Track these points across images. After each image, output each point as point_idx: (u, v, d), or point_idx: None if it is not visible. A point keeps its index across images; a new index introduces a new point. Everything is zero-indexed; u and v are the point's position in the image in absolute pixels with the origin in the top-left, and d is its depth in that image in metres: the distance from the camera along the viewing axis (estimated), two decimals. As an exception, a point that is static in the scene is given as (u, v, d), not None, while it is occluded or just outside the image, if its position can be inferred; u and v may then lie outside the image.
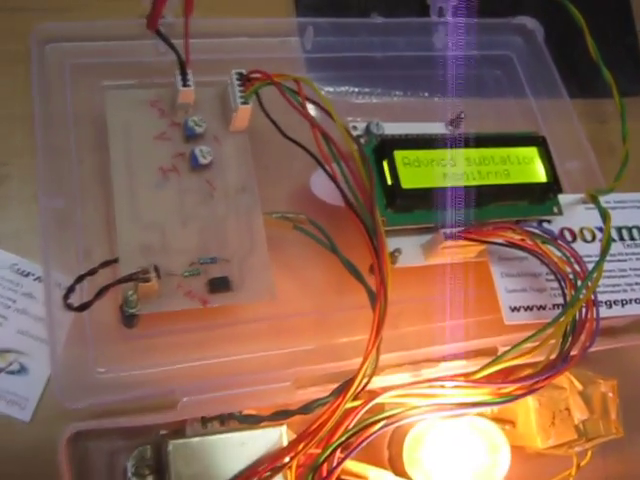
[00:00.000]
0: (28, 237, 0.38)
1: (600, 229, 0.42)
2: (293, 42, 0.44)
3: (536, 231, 0.37)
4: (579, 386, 0.41)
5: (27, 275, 0.38)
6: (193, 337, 0.37)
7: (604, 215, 0.37)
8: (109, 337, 0.35)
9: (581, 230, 0.42)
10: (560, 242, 0.37)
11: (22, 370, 0.36)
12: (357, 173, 0.35)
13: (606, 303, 0.40)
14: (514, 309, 0.39)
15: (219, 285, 0.35)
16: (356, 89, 0.44)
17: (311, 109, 0.36)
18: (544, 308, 0.39)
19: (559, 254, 0.37)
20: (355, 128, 0.40)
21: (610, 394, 0.41)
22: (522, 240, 0.37)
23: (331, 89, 0.44)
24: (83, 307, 0.32)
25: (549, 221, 0.42)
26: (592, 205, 0.40)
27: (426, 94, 0.45)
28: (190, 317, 0.36)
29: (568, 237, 0.42)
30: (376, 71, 0.45)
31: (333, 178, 0.34)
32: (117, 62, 0.41)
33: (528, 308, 0.39)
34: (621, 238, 0.42)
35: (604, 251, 0.36)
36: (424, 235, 0.39)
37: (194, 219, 0.37)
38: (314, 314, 0.39)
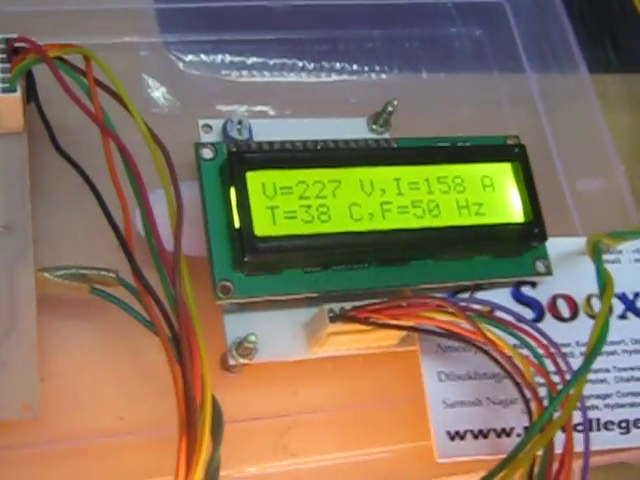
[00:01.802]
0: None
1: (623, 296, 0.36)
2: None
3: (480, 308, 0.31)
4: None
5: None
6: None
7: (602, 279, 0.31)
8: None
9: (588, 299, 0.36)
10: (518, 324, 0.31)
11: None
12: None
13: (620, 425, 0.33)
14: (454, 435, 0.32)
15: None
16: (234, 59, 0.39)
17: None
18: (508, 435, 0.33)
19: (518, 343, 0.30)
20: (208, 129, 0.34)
21: None
22: (452, 324, 0.31)
23: (194, 58, 0.38)
24: None
25: (533, 284, 0.36)
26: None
27: (343, 68, 0.39)
28: None
29: (564, 312, 0.36)
30: (267, 32, 0.40)
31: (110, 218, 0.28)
32: None
33: (480, 434, 0.33)
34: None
35: (594, 346, 0.29)
36: (305, 309, 0.33)
37: None
38: (114, 435, 0.33)
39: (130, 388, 0.34)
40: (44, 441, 0.32)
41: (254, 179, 0.31)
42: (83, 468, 0.32)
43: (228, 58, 0.39)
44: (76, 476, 0.32)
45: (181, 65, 0.38)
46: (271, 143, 0.33)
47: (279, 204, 0.31)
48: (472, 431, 0.33)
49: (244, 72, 0.39)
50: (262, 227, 0.30)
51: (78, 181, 0.32)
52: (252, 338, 0.31)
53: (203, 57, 0.39)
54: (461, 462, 0.32)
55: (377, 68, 0.39)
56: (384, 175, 0.32)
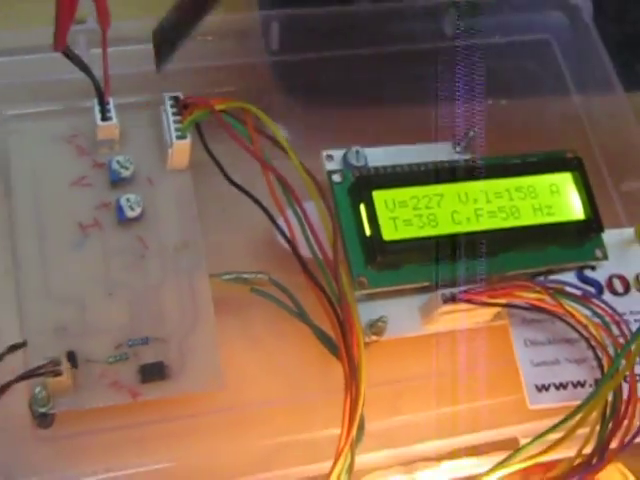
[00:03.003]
0: None
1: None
2: (255, 42, 0.46)
3: (557, 286, 0.39)
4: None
5: None
6: (125, 437, 0.39)
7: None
8: (18, 440, 0.39)
9: (637, 277, 0.44)
10: (591, 299, 0.39)
11: None
12: (317, 224, 0.37)
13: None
14: (541, 388, 0.41)
15: (152, 372, 0.38)
16: (337, 99, 0.46)
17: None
18: (582, 385, 0.41)
19: (590, 314, 0.39)
20: (330, 159, 0.42)
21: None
22: (540, 300, 0.39)
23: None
24: (-23, 412, 0.35)
25: (593, 267, 0.44)
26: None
27: (430, 102, 0.46)
28: (120, 412, 0.39)
29: (619, 288, 0.43)
30: (364, 73, 0.47)
31: (284, 233, 0.37)
32: (21, 83, 0.43)
33: (561, 386, 0.41)
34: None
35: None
36: (418, 295, 0.41)
37: (121, 288, 0.39)
38: (282, 401, 0.41)
39: (278, 365, 0.42)
40: (238, 405, 0.40)
41: (379, 196, 0.40)
42: (258, 429, 0.41)
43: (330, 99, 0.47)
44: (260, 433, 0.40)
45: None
46: (385, 167, 0.41)
47: (398, 215, 0.40)
48: (554, 384, 0.41)
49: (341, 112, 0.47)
50: (388, 233, 0.39)
51: (222, 205, 0.41)
52: (384, 319, 0.40)
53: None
54: (547, 408, 0.40)
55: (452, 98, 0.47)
56: (475, 188, 0.41)
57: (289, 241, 0.37)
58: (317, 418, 0.41)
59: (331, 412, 0.39)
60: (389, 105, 0.46)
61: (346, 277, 0.36)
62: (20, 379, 0.35)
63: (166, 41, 0.40)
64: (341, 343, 0.35)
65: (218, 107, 0.39)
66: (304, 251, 0.39)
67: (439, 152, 0.44)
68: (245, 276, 0.41)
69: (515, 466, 0.37)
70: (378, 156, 0.43)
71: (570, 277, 0.43)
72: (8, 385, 0.35)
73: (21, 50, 0.42)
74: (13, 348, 0.37)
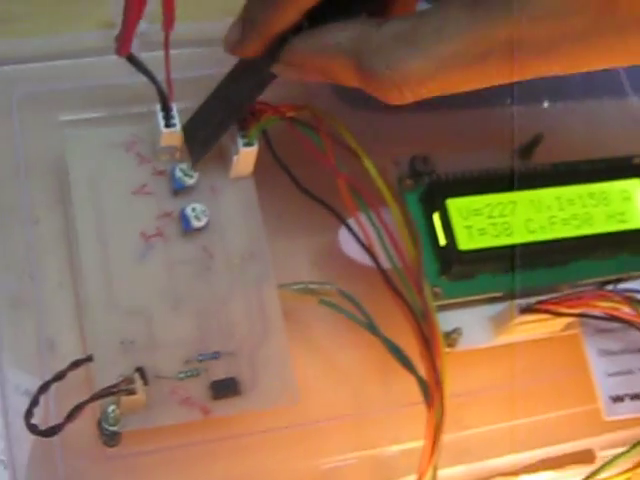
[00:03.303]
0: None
1: None
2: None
3: (632, 295, 0.39)
4: None
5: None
6: (192, 454, 0.38)
7: None
8: (84, 458, 0.38)
9: None
10: None
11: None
12: (396, 232, 0.37)
13: None
14: (616, 399, 0.40)
15: (225, 389, 0.37)
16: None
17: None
18: None
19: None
20: (397, 164, 0.41)
21: None
22: (614, 309, 0.38)
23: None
24: (52, 431, 0.34)
25: None
26: None
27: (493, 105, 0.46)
28: (188, 429, 0.38)
29: None
30: None
31: (359, 239, 0.36)
32: (78, 88, 0.42)
33: (636, 397, 0.40)
34: None
35: None
36: (490, 305, 0.41)
37: (188, 300, 0.38)
38: (350, 415, 0.41)
39: (342, 378, 0.42)
40: (307, 420, 0.40)
41: (453, 205, 0.39)
42: (323, 446, 0.40)
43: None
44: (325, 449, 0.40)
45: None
46: (455, 174, 0.40)
47: (473, 224, 0.39)
48: (629, 394, 0.40)
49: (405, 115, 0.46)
50: (463, 243, 0.39)
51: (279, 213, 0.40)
52: (459, 331, 0.39)
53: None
54: (624, 419, 0.40)
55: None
56: (548, 195, 0.41)
57: (368, 250, 0.35)
58: (383, 434, 0.41)
59: (395, 427, 0.40)
60: (450, 109, 0.45)
61: (428, 288, 0.35)
62: (95, 399, 0.34)
63: (198, 139, 0.39)
64: (425, 356, 0.35)
65: (289, 114, 0.38)
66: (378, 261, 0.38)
67: (504, 158, 0.43)
68: (313, 287, 0.40)
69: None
70: (447, 163, 0.42)
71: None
72: (82, 405, 0.34)
73: (75, 53, 0.40)
74: (77, 363, 0.36)
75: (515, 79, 0.31)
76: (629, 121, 0.49)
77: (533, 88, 0.43)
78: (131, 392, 0.34)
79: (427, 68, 0.31)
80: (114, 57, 0.37)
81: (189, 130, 0.38)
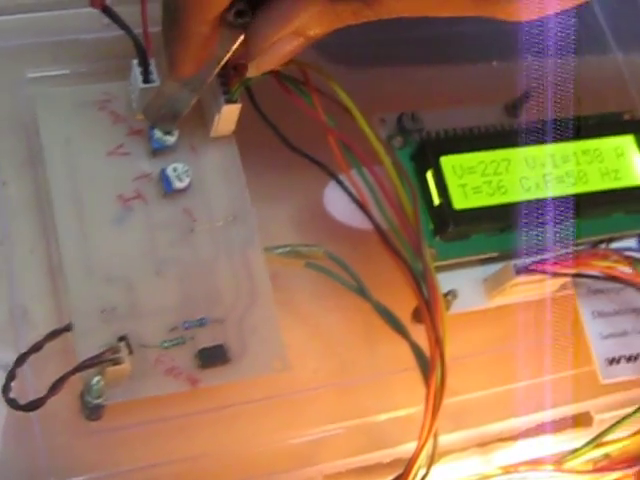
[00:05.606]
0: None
1: None
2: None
3: (628, 254, 0.38)
4: None
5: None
6: (179, 426, 0.38)
7: None
8: (65, 433, 0.36)
9: None
10: None
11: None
12: (391, 190, 0.36)
13: None
14: (612, 361, 0.40)
15: (212, 357, 0.36)
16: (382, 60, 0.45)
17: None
18: None
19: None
20: (383, 122, 0.41)
21: None
22: (610, 268, 0.38)
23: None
24: (34, 405, 0.33)
25: None
26: None
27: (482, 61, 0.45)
28: (174, 400, 0.37)
29: None
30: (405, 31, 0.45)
31: (353, 195, 0.35)
32: (46, 42, 0.41)
33: (632, 358, 0.40)
34: None
35: None
36: (484, 266, 0.40)
37: (171, 265, 0.37)
38: (339, 383, 0.40)
39: (328, 344, 0.41)
40: (295, 389, 0.39)
41: (447, 162, 0.39)
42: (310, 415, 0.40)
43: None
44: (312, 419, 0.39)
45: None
46: (446, 131, 0.40)
47: (467, 182, 0.39)
48: (624, 356, 0.40)
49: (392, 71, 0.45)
50: (459, 202, 0.38)
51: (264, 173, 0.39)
52: (455, 293, 0.39)
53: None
54: (620, 382, 0.40)
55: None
56: (541, 152, 0.40)
57: (363, 208, 0.34)
58: (371, 402, 0.41)
59: (384, 394, 0.40)
60: (437, 65, 0.44)
61: (428, 252, 0.34)
62: (79, 369, 0.33)
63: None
64: (426, 318, 0.34)
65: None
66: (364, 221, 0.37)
67: (494, 114, 0.43)
68: (300, 249, 0.39)
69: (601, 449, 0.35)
70: (434, 121, 0.41)
71: (633, 244, 0.42)
72: (67, 376, 0.32)
73: (45, 6, 0.39)
74: (55, 333, 0.35)
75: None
76: (614, 77, 0.47)
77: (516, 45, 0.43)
78: (117, 362, 0.34)
79: None
80: (86, 9, 0.36)
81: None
